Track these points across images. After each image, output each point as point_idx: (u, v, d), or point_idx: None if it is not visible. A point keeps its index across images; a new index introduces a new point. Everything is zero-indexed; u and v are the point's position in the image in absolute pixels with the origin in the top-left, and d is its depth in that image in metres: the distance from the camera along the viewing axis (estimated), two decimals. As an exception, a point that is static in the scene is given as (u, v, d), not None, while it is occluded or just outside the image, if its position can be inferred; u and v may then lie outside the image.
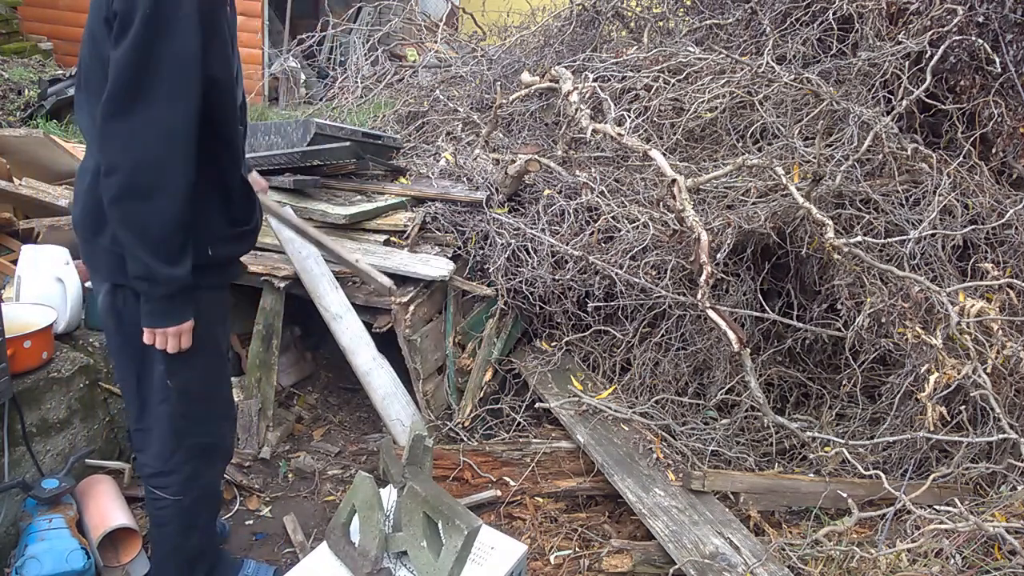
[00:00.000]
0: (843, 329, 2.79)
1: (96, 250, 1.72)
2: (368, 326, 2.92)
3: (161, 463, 1.90)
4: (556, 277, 2.97)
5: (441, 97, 4.47)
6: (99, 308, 1.81)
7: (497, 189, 3.30)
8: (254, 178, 2.19)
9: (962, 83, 3.22)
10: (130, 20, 1.47)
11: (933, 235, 2.81)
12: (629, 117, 3.25)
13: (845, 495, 2.34)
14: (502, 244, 3.06)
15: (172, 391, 1.81)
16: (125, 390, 1.89)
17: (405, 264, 2.89)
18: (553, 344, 3.15)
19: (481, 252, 3.10)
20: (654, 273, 2.91)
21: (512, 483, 2.65)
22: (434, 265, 2.90)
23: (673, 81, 3.41)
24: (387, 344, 2.93)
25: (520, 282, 3.01)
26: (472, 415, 2.91)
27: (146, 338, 1.70)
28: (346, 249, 2.66)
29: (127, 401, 1.90)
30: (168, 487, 1.91)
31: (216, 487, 2.10)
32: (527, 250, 3.04)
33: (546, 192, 3.26)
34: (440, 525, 1.67)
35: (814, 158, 2.85)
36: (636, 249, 2.93)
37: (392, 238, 3.11)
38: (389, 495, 1.91)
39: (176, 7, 1.48)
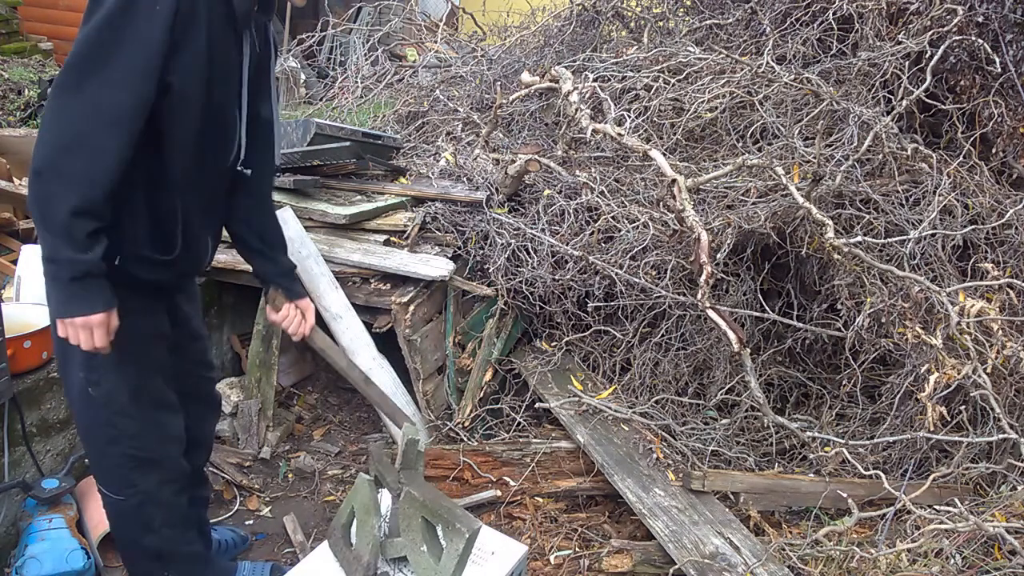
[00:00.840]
0: (843, 329, 2.79)
1: None
2: (368, 326, 2.92)
3: (95, 462, 1.86)
4: (556, 277, 2.97)
5: (441, 97, 4.47)
6: None
7: (497, 189, 3.30)
8: (304, 304, 2.08)
9: (962, 83, 3.22)
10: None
11: (933, 235, 2.81)
12: (629, 117, 3.25)
13: (845, 495, 2.34)
14: (502, 244, 3.06)
15: (95, 400, 1.73)
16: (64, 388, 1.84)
17: (405, 264, 2.89)
18: (553, 344, 3.15)
19: (481, 252, 3.10)
20: (654, 273, 2.91)
21: (512, 483, 2.65)
22: (434, 265, 2.90)
23: (673, 81, 3.40)
24: (387, 344, 2.93)
25: (520, 282, 3.01)
26: (472, 415, 2.91)
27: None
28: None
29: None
30: (107, 485, 1.85)
31: (166, 496, 1.90)
32: (527, 250, 3.04)
33: (546, 192, 3.26)
34: (440, 529, 1.67)
35: (814, 158, 2.85)
36: (636, 249, 2.93)
37: (392, 238, 3.11)
38: (382, 498, 1.90)
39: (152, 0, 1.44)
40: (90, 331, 1.55)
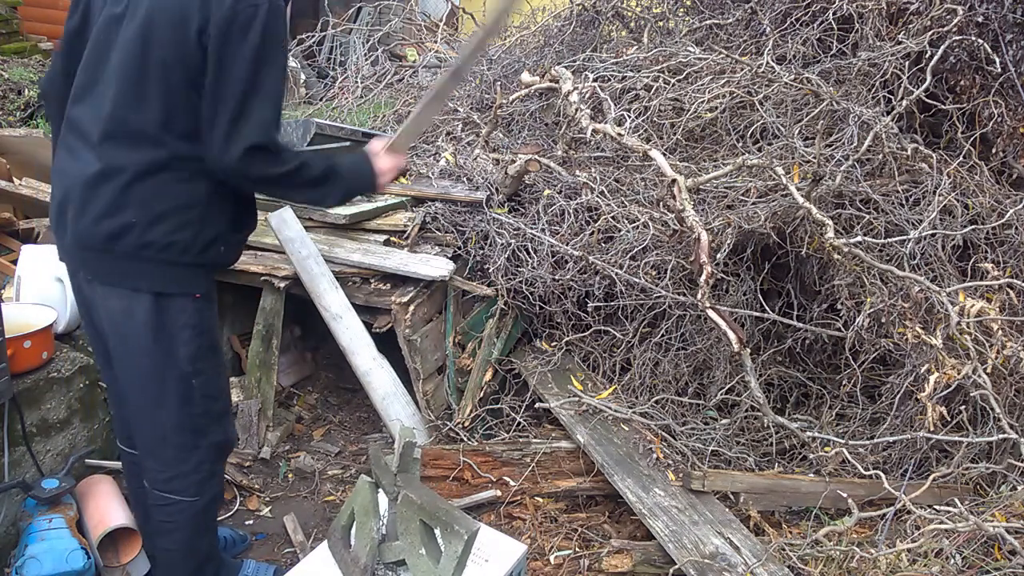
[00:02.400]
0: (843, 329, 2.79)
1: (121, 260, 1.70)
2: (368, 326, 2.92)
3: (177, 465, 1.88)
4: (556, 277, 2.97)
5: (441, 97, 4.46)
6: (121, 318, 1.75)
7: (497, 189, 3.30)
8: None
9: (962, 83, 3.22)
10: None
11: (933, 235, 2.81)
12: (629, 117, 3.24)
13: (845, 495, 2.34)
14: (502, 244, 3.06)
15: (195, 391, 1.83)
16: (138, 399, 1.86)
17: (405, 264, 2.89)
18: (553, 344, 3.15)
19: (481, 252, 3.10)
20: (654, 273, 2.91)
21: (512, 483, 2.65)
22: (434, 265, 2.90)
23: (673, 81, 3.40)
24: (387, 344, 2.93)
25: (520, 282, 3.01)
26: (472, 415, 2.91)
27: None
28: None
29: (137, 411, 1.88)
30: (185, 489, 1.89)
31: (223, 486, 2.11)
32: (527, 250, 3.04)
33: (546, 192, 3.25)
34: (438, 531, 1.67)
35: (814, 158, 2.85)
36: (636, 249, 2.93)
37: (392, 238, 3.11)
38: (382, 501, 1.90)
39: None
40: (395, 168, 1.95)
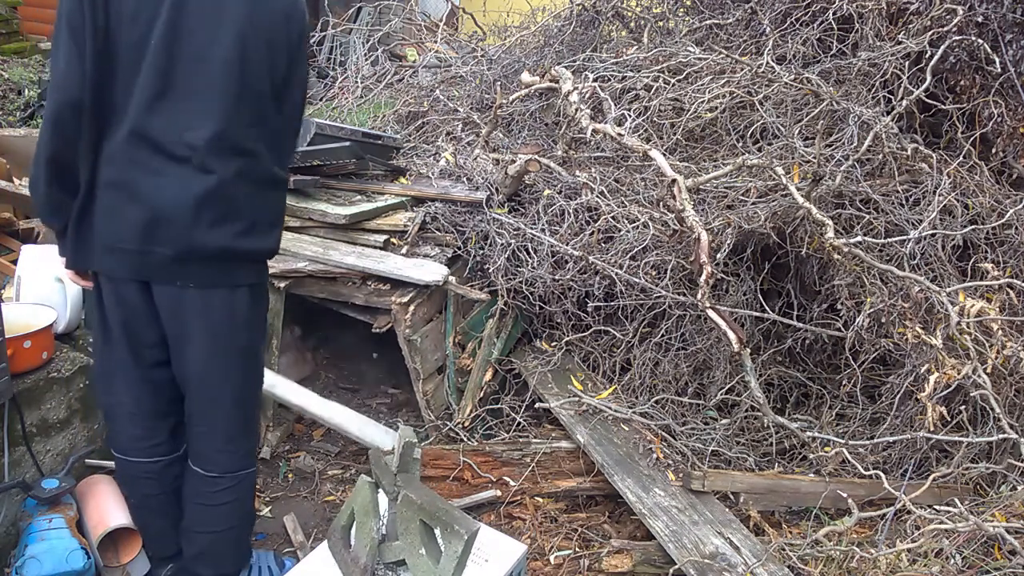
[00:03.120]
0: (843, 329, 2.79)
1: (230, 263, 1.86)
2: (368, 326, 2.92)
3: (249, 439, 2.08)
4: (556, 277, 2.97)
5: (441, 97, 4.47)
6: (220, 315, 1.87)
7: (497, 189, 3.30)
8: None
9: (962, 83, 3.21)
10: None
11: (933, 235, 2.81)
12: (629, 117, 3.24)
13: (845, 495, 2.34)
14: (502, 244, 3.05)
15: (260, 360, 2.09)
16: (226, 387, 1.96)
17: (399, 268, 2.88)
18: (553, 344, 3.15)
19: (481, 252, 3.10)
20: (654, 273, 2.91)
21: (512, 483, 2.65)
22: (428, 270, 2.89)
23: (673, 81, 3.40)
24: (387, 344, 2.93)
25: (520, 282, 3.01)
26: (472, 415, 2.91)
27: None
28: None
29: (221, 400, 1.97)
30: (252, 460, 2.08)
31: None
32: (527, 250, 3.04)
33: (546, 192, 3.25)
34: (438, 531, 1.67)
35: (814, 158, 2.85)
36: (636, 249, 2.93)
37: (392, 238, 3.10)
38: (381, 501, 1.90)
39: None
40: None
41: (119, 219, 1.76)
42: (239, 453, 2.03)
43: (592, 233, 3.05)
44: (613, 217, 3.02)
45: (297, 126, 2.00)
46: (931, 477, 2.35)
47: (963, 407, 2.55)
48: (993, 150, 3.23)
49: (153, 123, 1.71)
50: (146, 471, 2.07)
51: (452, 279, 2.97)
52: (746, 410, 2.80)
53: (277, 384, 2.85)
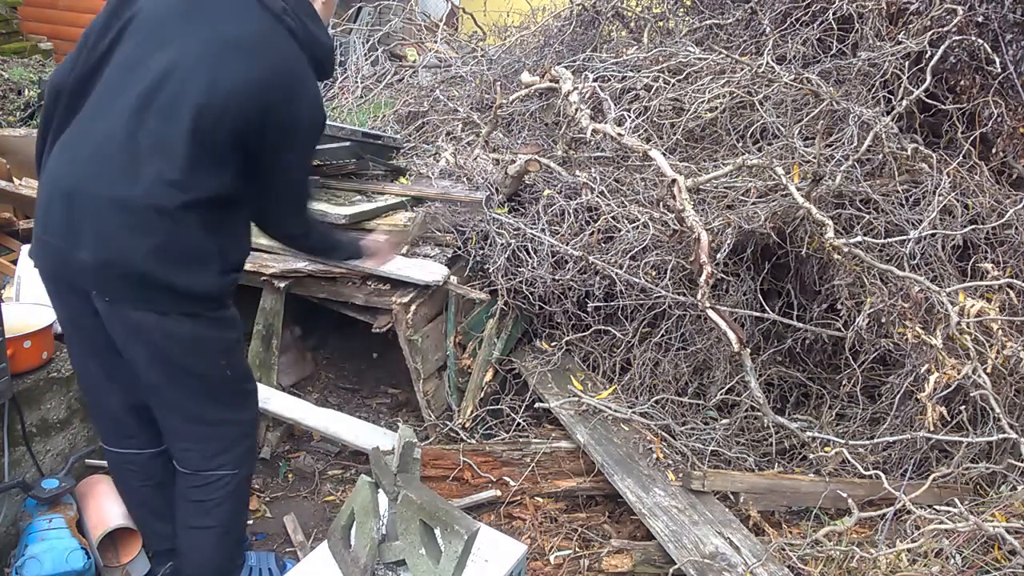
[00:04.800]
0: (843, 329, 2.79)
1: (159, 286, 1.73)
2: (368, 326, 2.92)
3: (220, 442, 1.99)
4: (556, 277, 2.97)
5: (441, 97, 4.47)
6: (168, 338, 1.79)
7: (497, 189, 3.30)
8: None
9: (962, 83, 3.21)
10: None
11: (933, 235, 2.81)
12: (629, 117, 3.24)
13: (845, 495, 2.34)
14: (502, 244, 3.05)
15: (229, 378, 1.97)
16: (171, 403, 1.92)
17: (400, 269, 2.88)
18: (553, 344, 3.15)
19: (481, 252, 3.10)
20: (654, 273, 2.91)
21: (512, 483, 2.65)
22: (429, 270, 2.89)
23: (673, 81, 3.40)
24: (387, 344, 2.93)
25: (520, 282, 3.01)
26: (472, 415, 2.91)
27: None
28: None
29: (189, 415, 1.94)
30: (229, 463, 2.00)
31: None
32: (527, 250, 3.04)
33: (546, 192, 3.25)
34: (438, 531, 1.67)
35: (814, 158, 2.85)
36: (636, 249, 2.93)
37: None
38: (381, 501, 1.90)
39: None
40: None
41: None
42: (206, 455, 1.98)
43: (592, 233, 3.05)
44: (613, 217, 3.02)
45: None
46: (931, 477, 2.35)
47: (963, 407, 2.55)
48: (993, 150, 3.23)
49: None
50: (126, 461, 2.08)
51: (453, 279, 2.97)
52: (746, 410, 2.80)
53: (271, 399, 2.85)
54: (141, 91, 1.66)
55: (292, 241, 2.09)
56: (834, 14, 3.39)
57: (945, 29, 3.05)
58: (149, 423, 2.01)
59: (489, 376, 3.03)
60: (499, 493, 2.64)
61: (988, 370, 2.41)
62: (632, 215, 3.01)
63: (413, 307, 2.85)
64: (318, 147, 3.23)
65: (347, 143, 3.36)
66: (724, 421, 2.82)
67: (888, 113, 3.07)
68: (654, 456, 2.61)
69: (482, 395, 2.99)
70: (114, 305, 1.76)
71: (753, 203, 2.98)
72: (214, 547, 2.07)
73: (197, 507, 2.02)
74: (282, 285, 2.90)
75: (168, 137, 1.65)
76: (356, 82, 5.29)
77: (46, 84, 1.81)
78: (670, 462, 2.61)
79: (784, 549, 2.27)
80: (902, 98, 3.04)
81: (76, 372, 2.06)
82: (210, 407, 1.96)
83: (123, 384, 1.95)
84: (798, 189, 2.68)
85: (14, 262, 2.91)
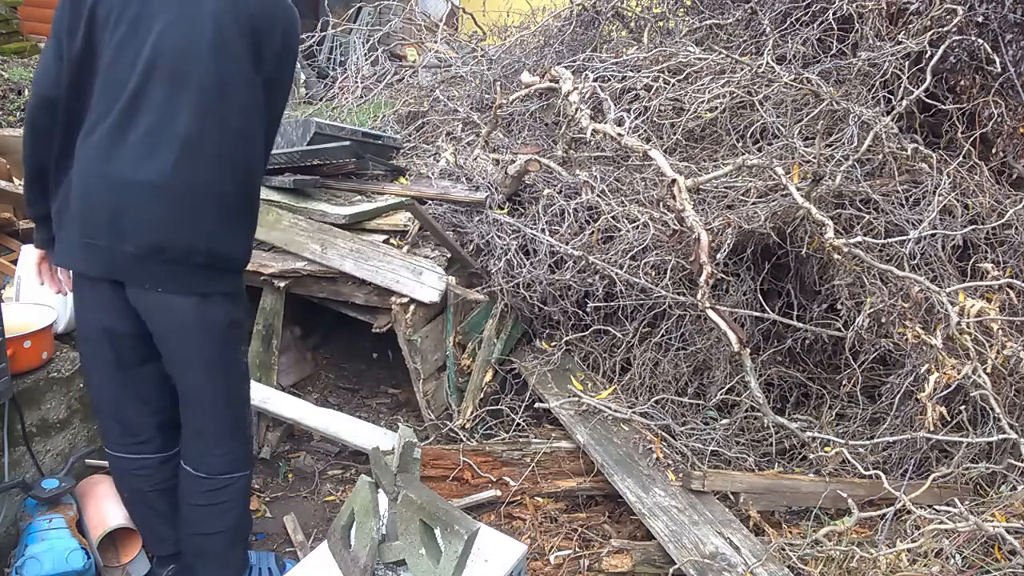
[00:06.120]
0: (843, 329, 2.79)
1: (194, 267, 1.78)
2: (368, 326, 2.92)
3: (233, 441, 2.00)
4: (555, 278, 2.97)
5: (441, 97, 4.47)
6: (204, 322, 1.84)
7: (497, 189, 3.30)
8: None
9: (962, 83, 3.22)
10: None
11: (933, 235, 2.81)
12: (629, 117, 3.24)
13: (845, 495, 2.34)
14: (502, 246, 3.05)
15: (246, 365, 2.02)
16: (204, 394, 1.94)
17: (396, 280, 2.87)
18: (553, 344, 3.15)
19: (483, 255, 3.09)
20: (654, 273, 2.91)
21: (512, 483, 2.65)
22: (426, 285, 2.87)
23: (673, 81, 3.40)
24: (387, 344, 2.93)
25: (517, 284, 3.01)
26: (472, 415, 2.91)
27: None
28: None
29: (201, 407, 1.96)
30: (242, 463, 2.03)
31: None
32: (526, 251, 3.04)
33: (546, 192, 3.25)
34: (438, 531, 1.67)
35: (814, 158, 2.85)
36: (636, 249, 2.93)
37: (391, 239, 3.10)
38: (381, 501, 1.90)
39: None
40: None
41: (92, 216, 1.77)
42: (229, 457, 2.00)
43: (592, 233, 3.05)
44: (613, 217, 3.02)
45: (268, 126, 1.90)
46: (931, 477, 2.35)
47: (963, 407, 2.55)
48: (993, 150, 3.23)
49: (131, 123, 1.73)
50: (134, 467, 2.07)
51: (452, 279, 2.96)
52: (746, 410, 2.80)
53: (270, 399, 2.85)
54: (160, 75, 1.68)
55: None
56: (834, 14, 3.39)
57: (945, 29, 3.05)
58: (166, 427, 2.02)
59: (489, 376, 3.03)
60: (499, 493, 2.64)
61: (988, 370, 2.41)
62: (632, 215, 3.01)
63: (412, 307, 2.85)
64: (318, 147, 3.24)
65: (347, 143, 3.36)
66: (724, 421, 2.82)
67: (888, 113, 3.07)
68: (654, 456, 2.61)
69: (482, 395, 2.99)
70: (159, 294, 1.79)
71: (753, 203, 2.98)
72: (230, 550, 2.08)
73: (210, 511, 2.02)
74: (282, 285, 2.90)
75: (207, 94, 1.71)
76: (356, 82, 5.28)
77: (32, 97, 1.79)
78: (670, 462, 2.61)
79: (784, 549, 2.27)
80: (902, 98, 3.04)
81: (92, 381, 2.04)
82: (235, 399, 2.00)
83: (146, 393, 1.97)
84: (798, 189, 2.68)
85: (14, 262, 2.91)
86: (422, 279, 2.88)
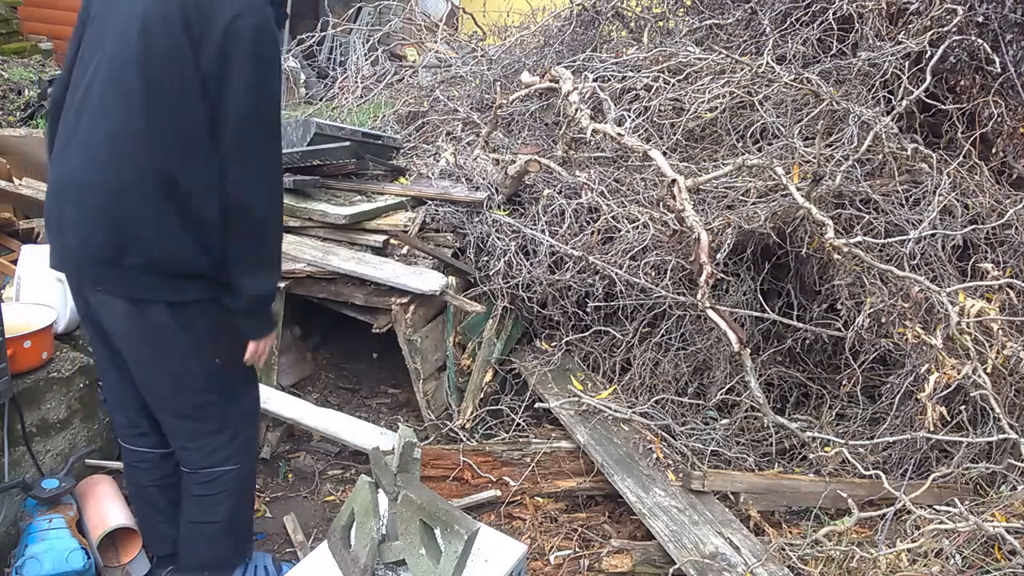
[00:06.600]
0: (843, 329, 2.79)
1: (127, 270, 1.74)
2: (368, 326, 2.92)
3: (217, 438, 1.99)
4: (554, 279, 2.97)
5: (441, 97, 4.46)
6: (142, 328, 1.80)
7: (497, 189, 3.30)
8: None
9: (962, 83, 3.21)
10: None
11: (933, 235, 2.81)
12: (629, 117, 3.24)
13: (845, 495, 2.34)
14: (502, 247, 3.05)
15: (219, 380, 1.96)
16: (153, 396, 1.95)
17: (397, 276, 2.86)
18: (553, 344, 3.15)
19: (484, 257, 3.09)
20: (654, 273, 2.91)
21: (512, 483, 2.65)
22: (427, 279, 2.87)
23: (673, 81, 3.40)
24: (387, 344, 2.93)
25: (516, 285, 3.00)
26: (472, 415, 2.91)
27: (251, 350, 1.92)
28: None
29: (176, 410, 1.96)
30: (229, 458, 2.01)
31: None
32: (526, 252, 3.04)
33: (546, 192, 3.25)
34: (438, 531, 1.67)
35: (814, 158, 2.85)
36: (636, 249, 2.93)
37: (391, 239, 3.10)
38: (381, 501, 1.90)
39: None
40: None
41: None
42: (204, 451, 1.99)
43: (592, 233, 3.05)
44: (613, 217, 3.02)
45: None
46: (931, 477, 2.35)
47: (963, 407, 2.55)
48: (993, 150, 3.23)
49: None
50: (139, 459, 2.10)
51: (451, 280, 2.96)
52: (746, 410, 2.80)
53: (271, 399, 2.85)
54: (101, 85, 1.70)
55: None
56: (834, 14, 3.39)
57: (945, 29, 3.05)
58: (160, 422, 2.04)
59: (489, 376, 3.03)
60: (499, 493, 2.64)
61: (988, 370, 2.41)
62: (632, 215, 3.01)
63: (412, 307, 2.85)
64: (318, 147, 3.24)
65: (347, 143, 3.36)
66: (724, 421, 2.82)
67: (888, 113, 3.07)
68: (654, 456, 2.61)
69: (482, 395, 2.99)
70: (99, 294, 1.80)
71: (753, 203, 2.98)
72: (213, 540, 2.09)
73: (200, 503, 2.05)
74: (282, 285, 2.90)
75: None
76: (356, 82, 5.28)
77: (50, 100, 1.90)
78: (670, 462, 2.61)
79: (784, 549, 2.27)
80: (902, 98, 3.04)
81: (99, 373, 2.14)
82: (200, 401, 1.95)
83: (133, 384, 1.97)
84: (798, 189, 2.68)
85: (14, 262, 2.91)
86: (423, 275, 2.90)
